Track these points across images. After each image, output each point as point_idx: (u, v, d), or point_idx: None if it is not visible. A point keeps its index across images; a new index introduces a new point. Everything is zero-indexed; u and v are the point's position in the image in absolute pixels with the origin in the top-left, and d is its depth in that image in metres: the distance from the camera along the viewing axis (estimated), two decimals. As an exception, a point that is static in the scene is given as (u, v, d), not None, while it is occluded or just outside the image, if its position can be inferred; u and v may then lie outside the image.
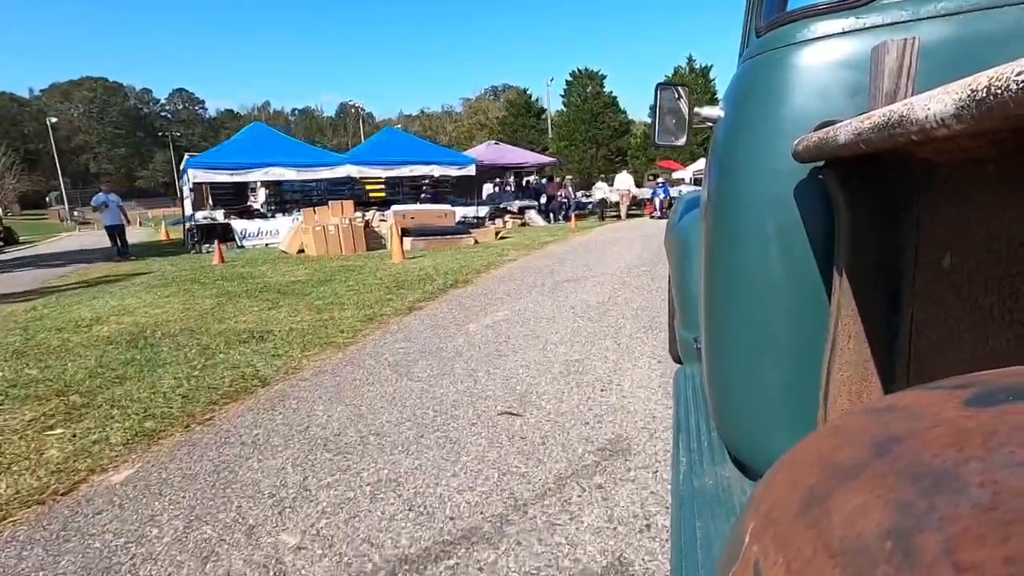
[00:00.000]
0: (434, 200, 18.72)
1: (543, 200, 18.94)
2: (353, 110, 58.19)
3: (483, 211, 17.19)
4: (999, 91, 0.38)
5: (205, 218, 13.72)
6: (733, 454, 1.26)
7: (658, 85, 1.55)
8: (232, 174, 13.32)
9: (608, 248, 10.13)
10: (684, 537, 1.06)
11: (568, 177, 23.77)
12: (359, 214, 12.76)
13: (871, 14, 0.93)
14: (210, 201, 18.17)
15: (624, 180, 19.89)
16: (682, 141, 1.56)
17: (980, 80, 0.40)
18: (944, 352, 0.72)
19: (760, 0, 1.16)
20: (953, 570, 0.18)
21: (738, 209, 1.07)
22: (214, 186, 16.97)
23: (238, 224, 13.65)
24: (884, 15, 0.92)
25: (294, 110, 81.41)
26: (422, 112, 75.37)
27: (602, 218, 18.40)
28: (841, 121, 0.71)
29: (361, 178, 18.05)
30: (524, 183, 20.15)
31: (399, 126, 71.02)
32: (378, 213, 12.84)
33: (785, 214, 0.97)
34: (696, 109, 1.33)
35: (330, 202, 11.21)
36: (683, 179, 29.64)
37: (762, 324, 1.05)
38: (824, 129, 0.75)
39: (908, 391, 0.31)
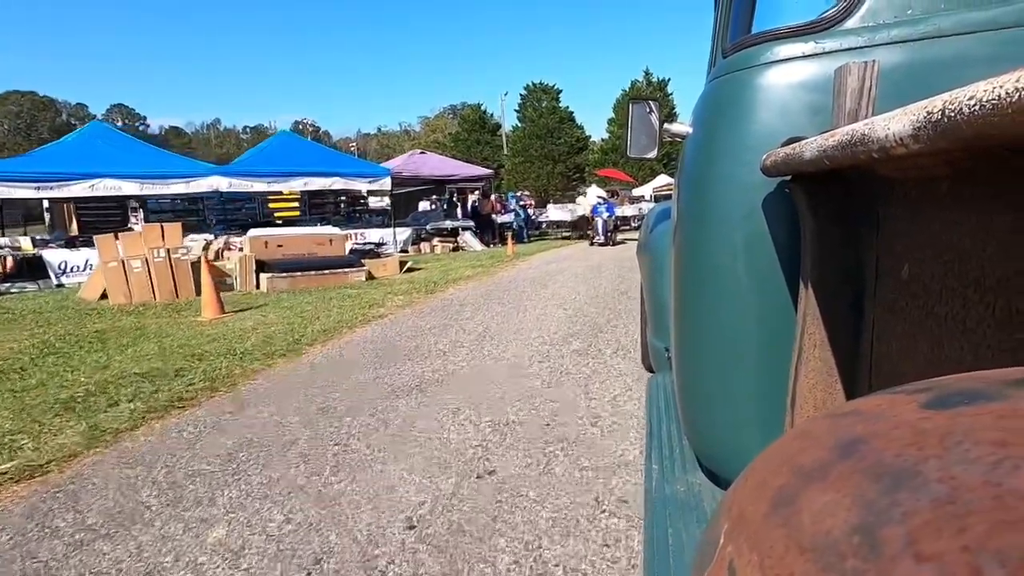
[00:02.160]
0: (349, 220, 15.20)
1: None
2: (302, 127, 53.98)
3: (404, 234, 13.72)
4: (952, 114, 0.39)
5: (2, 248, 9.84)
6: (703, 462, 1.21)
7: (630, 99, 1.54)
8: (39, 187, 9.53)
9: (538, 291, 6.78)
10: (656, 543, 1.04)
11: (525, 192, 20.51)
12: (199, 240, 9.18)
13: (829, 39, 0.95)
14: (74, 223, 14.35)
15: (595, 195, 16.65)
16: (653, 154, 1.52)
17: (936, 103, 0.41)
18: (903, 359, 0.73)
19: (727, 22, 1.17)
20: (914, 561, 0.19)
21: (707, 221, 1.05)
22: (82, 203, 13.17)
23: (54, 256, 9.83)
24: (842, 40, 0.94)
25: (246, 128, 76.17)
26: (379, 130, 71.60)
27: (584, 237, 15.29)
28: (805, 138, 0.74)
29: (267, 193, 14.57)
30: (458, 199, 16.80)
31: (354, 145, 66.88)
32: (236, 240, 9.23)
33: (753, 226, 0.96)
34: (666, 125, 1.36)
35: (144, 226, 7.60)
36: (643, 196, 26.93)
37: (731, 333, 1.03)
38: (791, 145, 0.77)
39: (870, 396, 0.32)
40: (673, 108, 32.67)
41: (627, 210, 21.63)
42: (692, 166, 1.12)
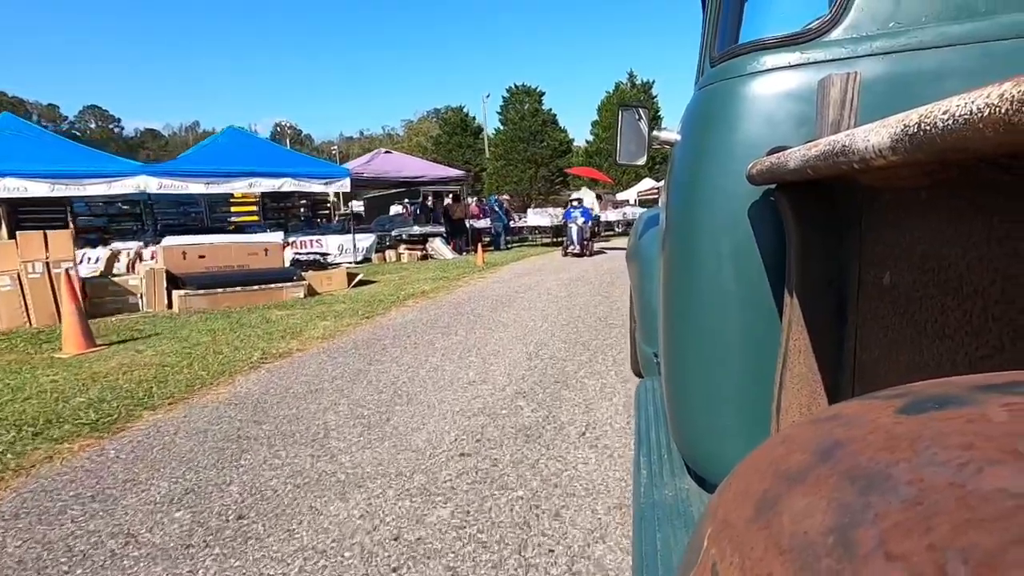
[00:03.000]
0: (308, 226, 13.78)
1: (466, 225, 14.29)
2: (281, 129, 51.99)
3: (367, 241, 12.35)
4: (928, 127, 0.40)
5: None
6: (690, 466, 1.19)
7: (620, 106, 1.51)
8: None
9: (498, 314, 5.47)
10: (645, 548, 1.02)
11: (504, 196, 19.16)
12: (104, 252, 7.79)
13: (814, 50, 0.95)
14: (3, 228, 12.81)
15: (585, 200, 15.01)
16: (642, 160, 1.49)
17: (911, 116, 0.42)
18: (885, 365, 0.73)
19: (715, 32, 1.15)
20: (884, 560, 0.20)
21: (695, 228, 1.05)
22: (22, 205, 11.63)
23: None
24: (826, 51, 0.94)
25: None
26: (361, 134, 69.74)
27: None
28: (790, 147, 0.75)
29: (215, 196, 13.21)
30: (434, 203, 15.47)
31: (335, 148, 65.00)
32: (148, 249, 7.80)
33: (739, 233, 0.96)
34: (655, 132, 1.31)
35: (19, 235, 6.16)
36: (627, 200, 25.82)
37: (718, 339, 1.02)
38: (775, 154, 0.77)
39: (850, 401, 0.32)
40: (658, 111, 31.62)
41: (611, 215, 20.43)
42: (681, 173, 1.11)
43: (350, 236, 11.85)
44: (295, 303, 6.95)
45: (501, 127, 36.88)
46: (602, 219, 18.00)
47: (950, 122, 0.37)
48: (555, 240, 15.96)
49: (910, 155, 0.43)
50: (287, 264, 8.22)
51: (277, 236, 10.50)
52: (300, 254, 8.49)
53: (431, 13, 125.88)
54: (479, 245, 10.81)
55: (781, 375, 0.85)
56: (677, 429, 1.13)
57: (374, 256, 12.50)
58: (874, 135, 0.47)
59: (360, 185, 16.08)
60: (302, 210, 14.97)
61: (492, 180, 34.94)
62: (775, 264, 0.92)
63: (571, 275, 8.43)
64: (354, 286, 8.19)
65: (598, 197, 18.73)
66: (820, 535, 0.23)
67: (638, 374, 2.75)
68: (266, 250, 7.87)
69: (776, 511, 0.26)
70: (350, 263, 11.71)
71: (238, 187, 10.48)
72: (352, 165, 12.79)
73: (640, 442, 1.48)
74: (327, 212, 14.53)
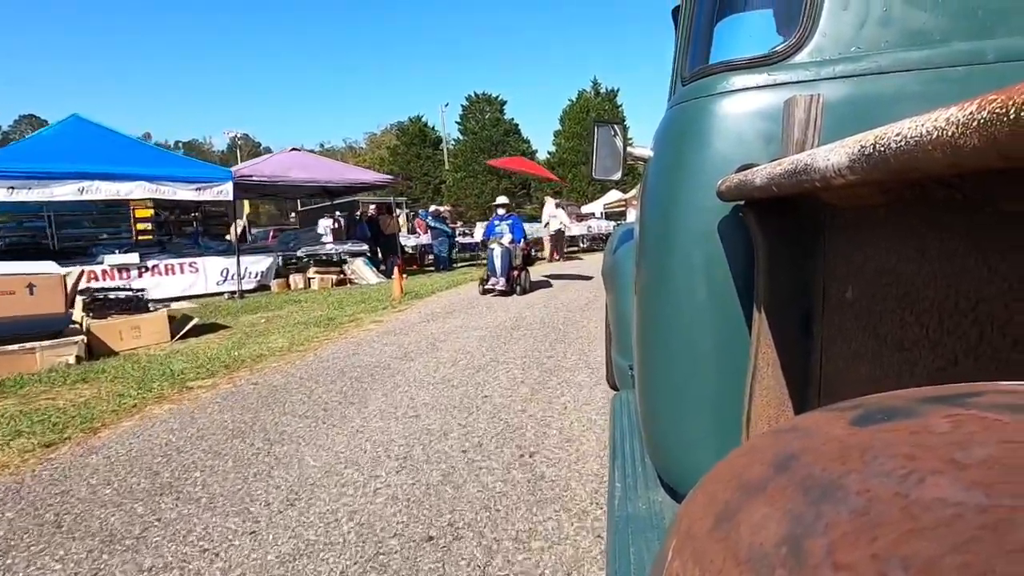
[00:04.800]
0: (194, 244, 10.75)
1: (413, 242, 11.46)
2: (233, 140, 48.10)
3: (262, 264, 9.42)
4: (882, 148, 0.41)
5: None
6: (663, 478, 1.19)
7: (594, 121, 1.48)
8: None
9: (345, 421, 2.67)
10: (619, 562, 1.01)
11: (445, 208, 16.38)
12: None
13: (780, 72, 0.96)
14: None
15: (557, 218, 12.17)
16: (617, 175, 1.47)
17: (868, 138, 0.43)
18: (849, 377, 0.73)
19: (686, 51, 1.17)
20: (832, 570, 0.20)
21: (668, 243, 1.06)
22: None
23: None
24: (791, 74, 0.95)
25: (178, 143, 69.06)
26: (321, 146, 66.14)
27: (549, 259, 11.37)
28: (758, 165, 0.75)
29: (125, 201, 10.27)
30: (361, 215, 12.62)
31: (294, 160, 61.17)
32: None
33: (711, 248, 0.97)
34: (629, 149, 1.35)
35: None
36: (593, 213, 23.47)
37: (690, 352, 1.03)
38: (743, 172, 0.77)
39: (809, 414, 0.33)
40: (623, 121, 29.58)
41: (574, 228, 17.87)
42: (653, 189, 1.12)
43: (233, 259, 8.88)
44: (42, 378, 4.04)
45: (461, 137, 34.31)
46: (565, 232, 15.39)
47: (903, 143, 0.38)
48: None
49: (867, 174, 0.44)
50: (74, 306, 5.27)
51: (49, 266, 7.53)
52: (98, 291, 5.52)
53: (393, 22, 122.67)
54: (396, 270, 8.00)
55: (750, 387, 0.86)
56: (651, 441, 1.13)
57: (274, 283, 9.58)
58: (834, 155, 0.48)
59: (268, 194, 13.15)
60: (195, 224, 11.94)
61: (452, 192, 32.29)
62: (745, 278, 0.93)
63: (507, 316, 5.70)
64: (181, 337, 5.30)
65: (558, 207, 16.14)
66: (774, 546, 0.23)
67: (613, 387, 2.73)
68: (31, 286, 4.88)
69: (735, 522, 0.26)
70: (233, 293, 8.79)
71: (61, 193, 7.45)
72: (247, 166, 9.86)
73: (614, 454, 1.46)
74: (220, 227, 11.48)
